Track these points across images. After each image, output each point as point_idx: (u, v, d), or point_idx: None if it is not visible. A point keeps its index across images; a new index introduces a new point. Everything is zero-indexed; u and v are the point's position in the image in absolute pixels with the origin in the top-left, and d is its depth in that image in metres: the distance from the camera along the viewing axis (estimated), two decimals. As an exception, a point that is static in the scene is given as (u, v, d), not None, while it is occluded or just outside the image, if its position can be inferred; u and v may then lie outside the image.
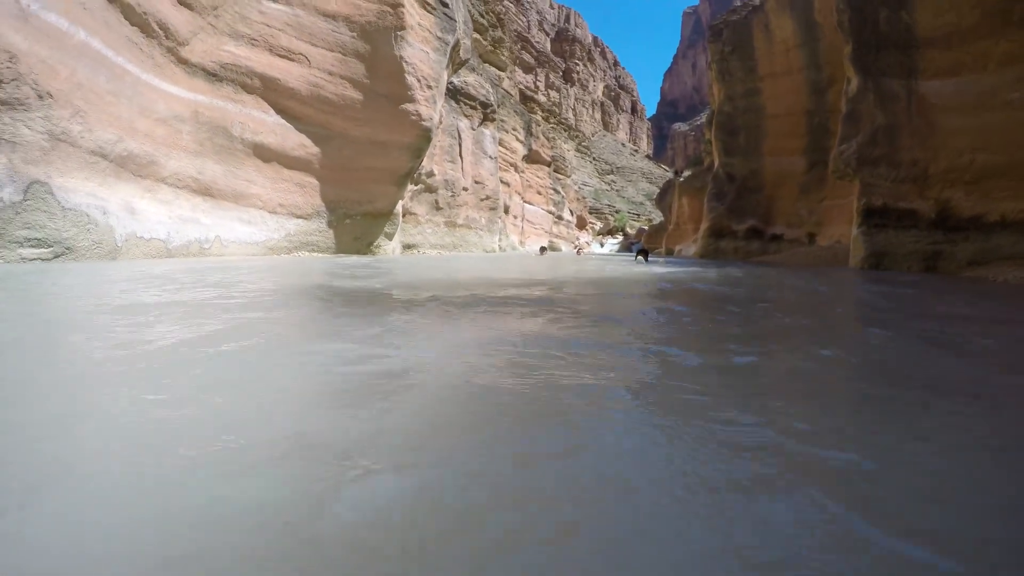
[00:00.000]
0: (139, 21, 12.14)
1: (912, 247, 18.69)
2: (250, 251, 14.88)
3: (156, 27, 12.58)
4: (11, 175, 8.79)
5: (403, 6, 17.88)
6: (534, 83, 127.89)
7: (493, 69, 38.60)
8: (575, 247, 51.38)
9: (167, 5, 12.88)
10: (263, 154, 15.62)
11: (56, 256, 9.40)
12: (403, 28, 17.94)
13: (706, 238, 35.83)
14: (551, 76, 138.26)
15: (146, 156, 12.02)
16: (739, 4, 39.99)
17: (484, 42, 36.60)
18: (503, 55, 42.83)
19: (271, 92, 15.81)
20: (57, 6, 9.88)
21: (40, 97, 9.35)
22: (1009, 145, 17.04)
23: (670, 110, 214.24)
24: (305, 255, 16.57)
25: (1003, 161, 17.27)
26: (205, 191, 13.89)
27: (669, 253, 47.47)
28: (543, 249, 35.72)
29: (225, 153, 14.53)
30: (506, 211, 38.87)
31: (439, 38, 20.06)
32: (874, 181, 19.74)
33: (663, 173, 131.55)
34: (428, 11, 19.44)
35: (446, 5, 20.61)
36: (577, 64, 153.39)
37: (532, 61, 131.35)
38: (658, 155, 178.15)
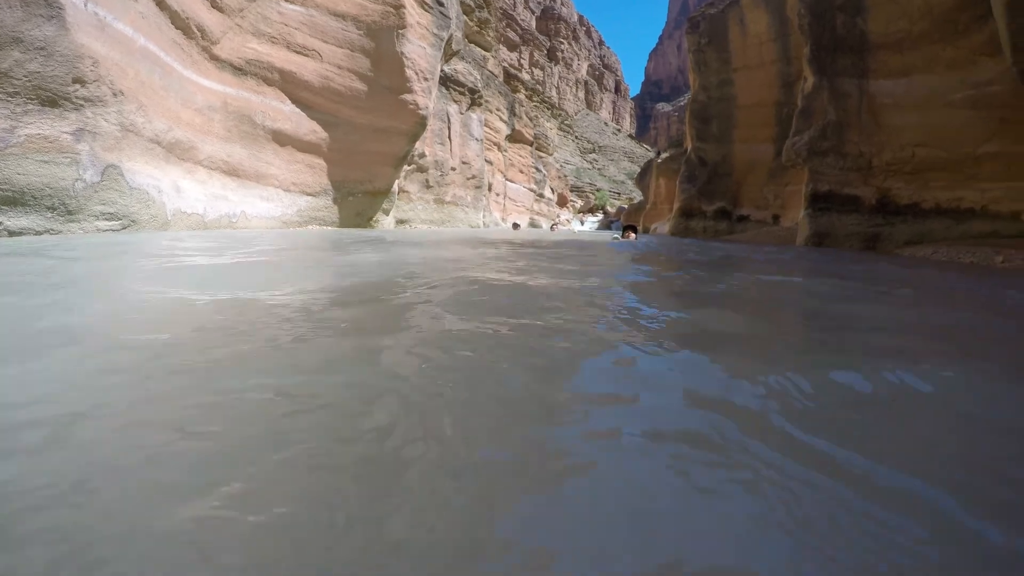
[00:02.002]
0: (182, 25, 14.12)
1: (853, 228, 21.07)
2: (269, 224, 16.97)
3: (195, 29, 14.56)
4: (92, 160, 10.81)
5: (404, 7, 19.89)
6: (518, 61, 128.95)
7: (479, 50, 40.04)
8: (552, 223, 53.32)
9: (203, 9, 14.84)
10: (280, 139, 17.65)
11: (124, 228, 11.48)
12: (404, 27, 19.96)
13: (677, 218, 38.23)
14: (535, 54, 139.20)
15: (188, 142, 14.06)
16: (713, -2, 42.01)
17: (470, 23, 37.99)
18: (488, 36, 44.26)
19: (288, 84, 17.81)
20: (124, 16, 11.88)
21: (114, 95, 11.36)
22: (947, 141, 19.29)
23: (654, 90, 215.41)
24: (315, 228, 18.71)
25: (941, 156, 19.53)
26: (233, 172, 15.94)
27: (646, 231, 49.92)
28: (516, 225, 37.46)
29: (249, 138, 16.57)
30: (489, 188, 40.82)
31: (435, 34, 22.07)
32: (822, 170, 22.05)
33: (645, 153, 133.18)
34: (426, 10, 21.43)
35: (441, 4, 22.59)
36: (562, 43, 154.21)
37: (517, 39, 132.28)
38: (641, 135, 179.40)
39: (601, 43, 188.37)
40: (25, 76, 9.81)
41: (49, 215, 10.15)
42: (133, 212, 11.66)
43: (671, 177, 45.46)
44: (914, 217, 20.16)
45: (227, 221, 15.21)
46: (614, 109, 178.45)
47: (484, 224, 34.44)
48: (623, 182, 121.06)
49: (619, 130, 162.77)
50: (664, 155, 57.53)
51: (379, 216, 21.89)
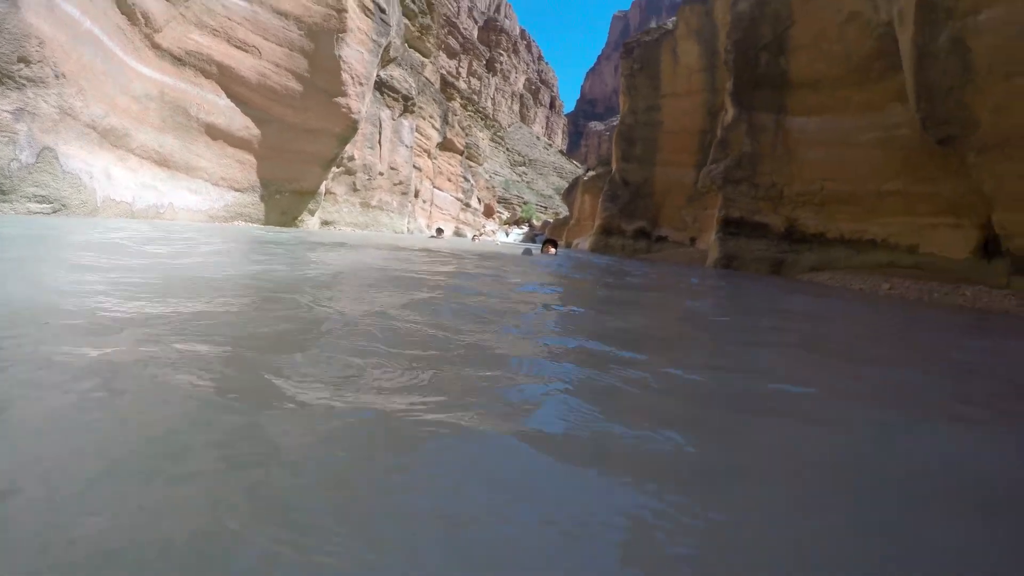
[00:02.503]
0: (127, 10, 14.41)
1: (761, 254, 22.67)
2: (196, 218, 17.23)
3: (140, 16, 14.85)
4: (29, 141, 11.09)
5: (347, 11, 20.50)
6: (456, 69, 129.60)
7: (417, 55, 40.55)
8: (474, 234, 54.04)
9: (149, -3, 15.16)
10: (213, 133, 17.95)
11: (54, 211, 11.75)
12: (344, 31, 20.55)
13: (597, 235, 39.86)
14: (474, 64, 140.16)
15: (122, 129, 14.32)
16: (654, 26, 43.90)
17: (412, 28, 38.41)
18: (429, 42, 44.80)
19: (225, 78, 18.14)
20: (74, 1, 12.20)
21: (56, 77, 11.66)
22: (855, 178, 20.94)
23: (588, 108, 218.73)
24: (240, 224, 19.01)
25: (848, 190, 21.19)
26: (163, 162, 16.19)
27: (568, 246, 51.39)
28: (439, 231, 38.03)
29: (182, 130, 16.83)
30: (416, 195, 41.34)
31: (374, 40, 22.71)
32: (735, 197, 23.65)
33: (574, 169, 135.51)
34: (367, 16, 22.06)
35: (383, 11, 23.28)
36: (502, 55, 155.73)
37: (457, 47, 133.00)
38: (572, 151, 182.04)
39: (540, 58, 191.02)
40: (-32, 52, 10.11)
41: (-20, 194, 10.42)
42: (65, 196, 11.94)
43: (596, 194, 47.01)
44: (819, 246, 21.81)
45: (154, 212, 15.47)
46: (547, 124, 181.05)
47: (408, 230, 35.00)
48: (551, 196, 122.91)
49: (550, 145, 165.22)
50: (591, 173, 59.27)
51: (304, 216, 22.29)
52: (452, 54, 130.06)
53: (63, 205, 11.91)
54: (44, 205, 11.51)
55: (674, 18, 39.31)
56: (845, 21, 20.90)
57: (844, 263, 20.69)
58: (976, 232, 17.31)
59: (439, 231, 38.49)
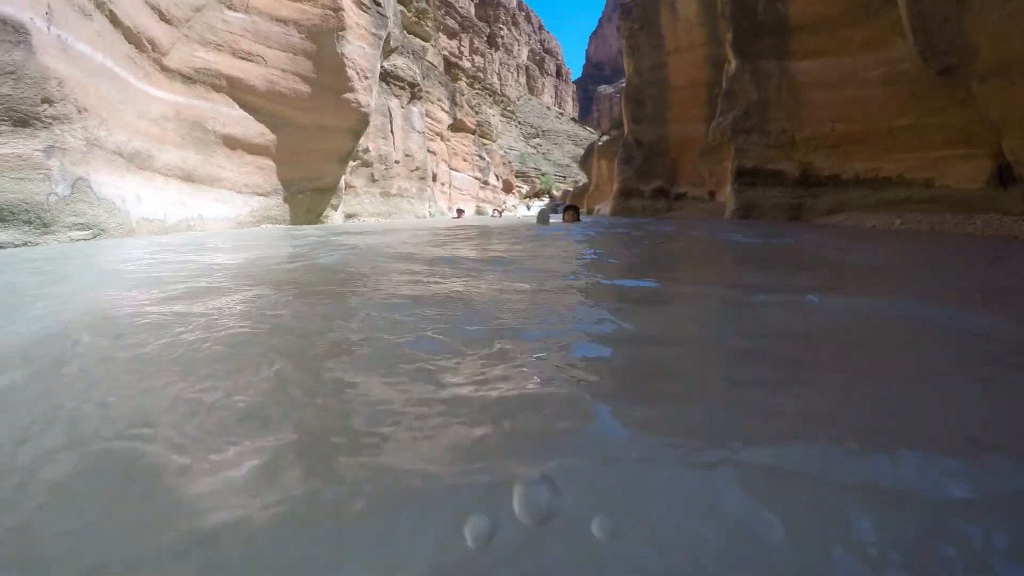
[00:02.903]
0: (134, 39, 15.08)
1: (778, 200, 22.99)
2: (225, 225, 17.99)
3: (146, 42, 15.52)
4: (63, 175, 11.83)
5: (343, 9, 21.02)
6: (458, 48, 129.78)
7: (418, 40, 40.98)
8: (494, 210, 54.61)
9: (152, 22, 15.78)
10: (230, 143, 18.64)
11: (94, 236, 12.51)
12: (344, 29, 21.08)
13: (617, 198, 40.30)
14: (475, 41, 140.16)
15: (146, 151, 15.05)
16: (648, -17, 43.83)
17: (408, 14, 38.87)
18: (427, 26, 45.23)
19: (235, 89, 18.79)
20: (83, 37, 12.88)
21: (79, 111, 12.37)
22: (864, 116, 21.21)
23: (596, 72, 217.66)
24: (268, 227, 19.76)
25: (859, 129, 21.46)
26: (188, 178, 16.92)
27: (590, 212, 51.79)
28: (460, 212, 38.42)
29: (201, 144, 17.55)
30: (434, 179, 41.97)
31: (374, 34, 23.21)
32: (746, 147, 23.96)
33: (588, 135, 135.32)
34: (364, 11, 22.55)
35: (378, 3, 23.75)
36: (502, 28, 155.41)
37: (456, 26, 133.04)
38: (584, 117, 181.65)
39: (541, 28, 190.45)
40: (-3, 99, 10.82)
41: (27, 228, 11.16)
42: (102, 221, 12.70)
43: (612, 159, 47.37)
44: (835, 188, 22.08)
45: (186, 225, 16.24)
46: (556, 93, 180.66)
47: (430, 214, 35.67)
48: (568, 165, 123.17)
49: (562, 114, 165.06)
50: (605, 138, 59.49)
51: (328, 212, 23.00)
52: (452, 34, 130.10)
53: (101, 229, 12.68)
54: (84, 232, 12.27)
55: (670, -27, 39.30)
56: (840, -43, 21.10)
57: (861, 203, 20.94)
58: (990, 161, 17.54)
59: (459, 212, 38.75)
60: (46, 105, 11.54)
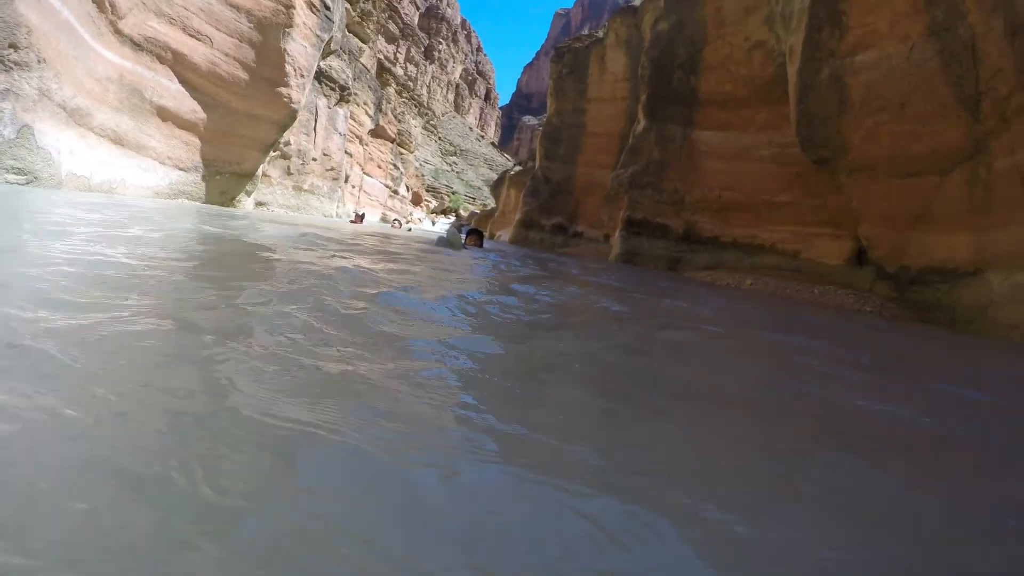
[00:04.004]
0: None
1: (661, 252, 25.55)
2: (144, 193, 18.96)
3: (107, 3, 16.60)
4: (12, 119, 12.86)
5: (295, 7, 22.52)
6: (394, 54, 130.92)
7: (356, 41, 41.97)
8: (394, 219, 55.25)
9: (116, -14, 16.88)
10: (163, 115, 19.68)
11: (27, 183, 13.50)
12: (291, 26, 22.56)
13: (518, 227, 42.49)
14: (412, 50, 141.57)
15: (86, 109, 16.04)
16: (586, 33, 46.78)
17: (352, 12, 39.77)
18: (369, 28, 46.22)
19: (178, 64, 19.88)
20: (57, -8, 13.98)
21: (39, 62, 13.43)
22: (750, 188, 23.87)
23: (524, 102, 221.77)
24: (183, 201, 20.76)
25: (743, 199, 24.13)
26: (118, 141, 17.89)
27: (491, 237, 53.72)
28: (360, 216, 38.80)
29: (137, 111, 18.55)
30: (346, 180, 43.05)
31: (318, 36, 24.73)
32: (640, 200, 26.55)
33: (504, 162, 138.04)
34: (313, 12, 24.08)
35: (328, 8, 25.30)
36: (441, 43, 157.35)
37: (397, 32, 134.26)
38: (504, 144, 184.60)
39: (479, 49, 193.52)
40: (-34, 37, 11.87)
41: (-34, 164, 12.17)
42: (37, 170, 13.72)
43: (521, 189, 49.24)
44: (714, 247, 24.78)
45: (108, 186, 17.20)
46: (481, 115, 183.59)
47: (337, 215, 36.72)
48: (479, 188, 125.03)
49: (483, 137, 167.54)
50: (517, 168, 61.91)
51: (242, 197, 24.12)
52: (391, 39, 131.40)
53: (35, 177, 13.67)
54: (20, 177, 13.26)
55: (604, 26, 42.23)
56: (752, 48, 23.91)
57: (734, 264, 23.55)
58: (851, 243, 20.16)
59: (359, 216, 39.06)
60: (12, 50, 12.63)
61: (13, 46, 12.60)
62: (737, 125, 24.85)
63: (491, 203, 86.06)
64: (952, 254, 14.76)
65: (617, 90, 39.23)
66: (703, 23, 25.89)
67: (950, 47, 14.09)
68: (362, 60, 45.82)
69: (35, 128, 13.58)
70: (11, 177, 13.04)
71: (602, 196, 38.55)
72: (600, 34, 42.54)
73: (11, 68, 12.69)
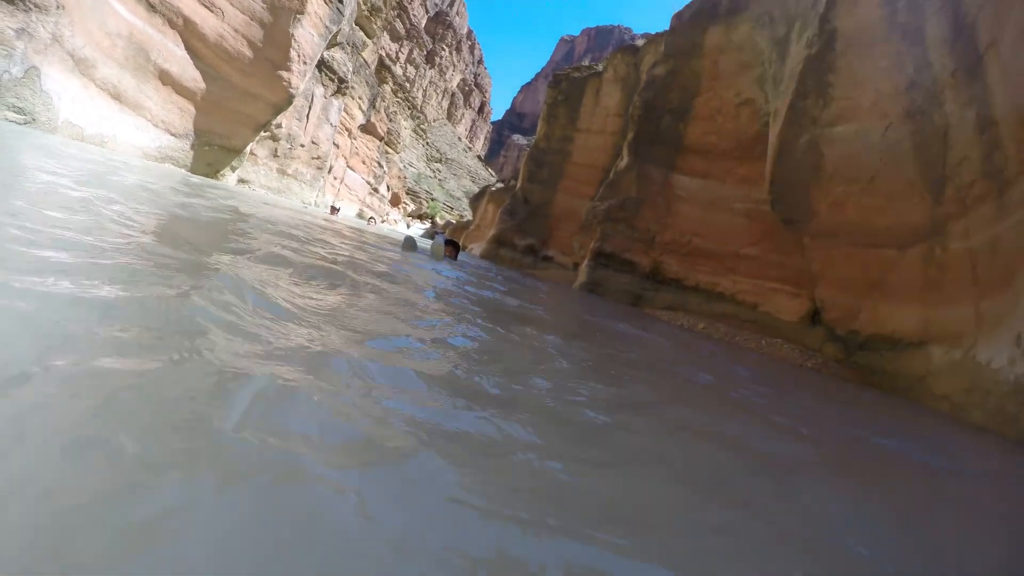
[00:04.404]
0: (119, -45, 16.61)
1: (625, 286, 26.24)
2: (133, 152, 19.30)
3: (128, -39, 17.05)
4: (22, 58, 13.27)
5: (310, -4, 23.08)
6: (396, 53, 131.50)
7: (361, 34, 42.45)
8: (371, 217, 55.29)
9: (139, -56, 17.35)
10: (164, 79, 20.08)
11: (25, 123, 13.88)
12: (303, 13, 23.12)
13: (491, 243, 43.11)
14: (415, 52, 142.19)
15: (92, 60, 16.43)
16: (586, 64, 47.89)
17: (363, 6, 40.28)
18: (376, 24, 46.71)
19: (187, 32, 20.31)
20: (82, -56, 14.43)
21: (57, 7, 13.87)
22: (719, 238, 24.66)
23: (516, 121, 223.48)
24: (169, 166, 21.09)
25: (711, 247, 24.91)
26: (117, 97, 18.25)
27: (463, 249, 54.24)
28: (334, 209, 38.97)
29: (140, 71, 18.94)
30: (329, 171, 43.44)
31: (327, 27, 25.32)
32: (611, 233, 27.32)
33: (488, 176, 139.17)
34: (327, 3, 24.68)
35: (341, 1, 25.83)
36: (444, 49, 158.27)
37: (403, 32, 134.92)
38: (491, 159, 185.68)
39: (480, 62, 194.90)
40: (-10, -28, 12.28)
41: (-30, 96, 12.55)
42: (36, 112, 14.10)
43: (499, 205, 50.05)
44: (677, 289, 25.54)
45: (100, 139, 17.55)
46: (472, 127, 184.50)
47: (315, 203, 37.11)
48: (459, 199, 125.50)
49: (470, 148, 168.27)
50: (499, 185, 62.76)
51: (227, 171, 24.52)
52: (396, 37, 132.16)
53: (33, 119, 14.06)
54: (20, 116, 13.65)
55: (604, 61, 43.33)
56: (741, 104, 24.90)
57: (695, 308, 24.34)
58: (808, 303, 20.99)
59: (334, 209, 39.04)
60: (33, -9, 13.04)
61: (35, -12, 13.04)
62: (716, 175, 25.78)
63: (468, 215, 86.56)
64: (901, 325, 15.62)
65: (608, 124, 40.24)
66: (698, 74, 26.88)
67: (924, 131, 14.98)
68: (364, 54, 46.35)
69: (42, 71, 13.98)
70: (10, 115, 13.41)
71: (577, 224, 39.22)
72: (600, 67, 43.63)
73: (30, 9, 13.11)
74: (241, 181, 27.26)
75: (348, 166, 53.04)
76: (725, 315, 23.30)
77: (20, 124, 13.68)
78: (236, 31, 21.78)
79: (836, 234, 17.86)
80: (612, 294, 26.26)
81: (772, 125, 20.35)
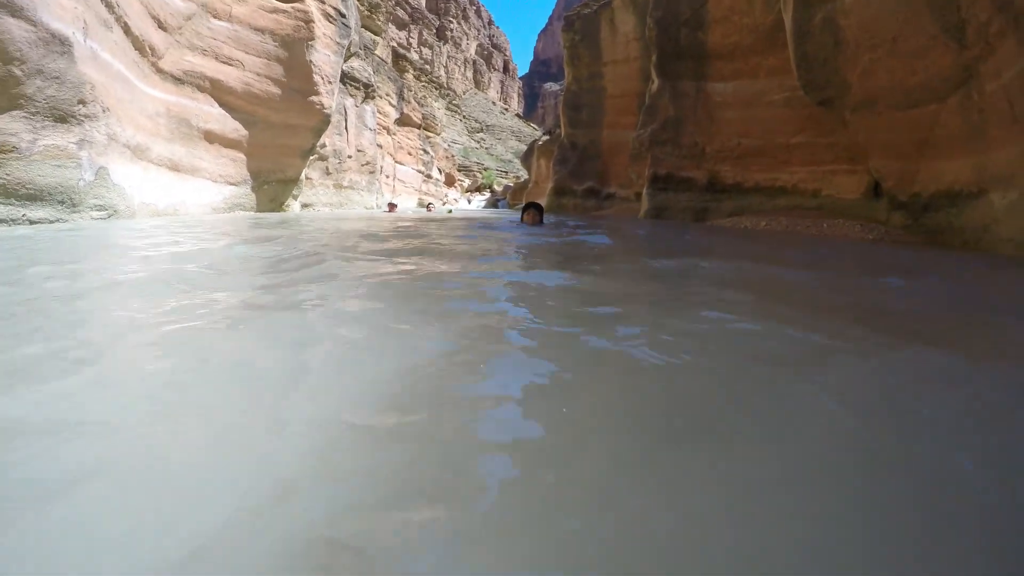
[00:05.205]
0: (139, 46, 17.87)
1: (687, 204, 26.58)
2: (203, 210, 20.78)
3: (147, 48, 18.31)
4: (90, 164, 14.65)
5: (313, 21, 24.06)
6: (407, 40, 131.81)
7: (368, 34, 43.30)
8: (428, 204, 55.01)
9: (152, 30, 18.57)
10: (210, 138, 21.42)
11: (109, 216, 15.33)
12: (313, 39, 24.11)
13: (551, 196, 43.72)
14: (424, 33, 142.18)
15: (144, 144, 17.83)
16: (593, -3, 47.53)
17: (361, 8, 40.98)
18: (379, 19, 47.35)
19: (216, 90, 21.57)
20: (107, 47, 15.68)
21: (103, 111, 15.18)
22: (766, 133, 24.66)
23: (543, 69, 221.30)
24: (239, 213, 22.59)
25: (760, 144, 24.95)
26: (174, 168, 19.68)
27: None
28: (391, 205, 38.53)
29: (186, 139, 20.32)
30: (379, 171, 44.66)
31: (338, 43, 26.28)
32: (662, 156, 27.61)
33: (532, 132, 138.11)
34: (331, 22, 25.62)
35: (343, 15, 26.83)
36: (451, 22, 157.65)
37: (407, 18, 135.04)
38: (529, 113, 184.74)
39: (491, 23, 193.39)
40: (44, 99, 13.61)
41: (60, 208, 14.01)
42: (115, 204, 15.54)
43: (551, 157, 50.33)
44: (737, 194, 25.70)
45: (172, 209, 19.05)
46: (502, 88, 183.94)
47: (376, 206, 38.38)
48: (510, 161, 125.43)
49: (507, 109, 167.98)
50: (544, 137, 62.93)
51: (289, 201, 25.95)
52: (402, 25, 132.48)
53: (115, 211, 15.51)
54: (102, 212, 15.10)
55: (610, -12, 42.85)
56: (750, -3, 24.82)
57: (758, 207, 24.48)
58: (867, 176, 20.87)
59: (391, 206, 38.22)
60: (81, 105, 14.38)
61: (81, 102, 14.33)
62: (747, 73, 25.60)
63: (523, 175, 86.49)
64: (957, 178, 15.45)
65: (630, 50, 40.02)
66: (702, -23, 26.73)
67: None
68: (377, 52, 47.19)
69: (109, 168, 15.38)
70: (95, 214, 14.88)
71: (628, 156, 39.26)
72: (606, -3, 43.31)
73: (83, 120, 14.45)
74: (304, 206, 28.69)
75: (396, 161, 54.14)
76: (788, 208, 23.31)
77: (105, 219, 15.13)
78: (259, 75, 22.95)
79: (874, 102, 17.66)
80: (677, 214, 26.59)
81: (784, 13, 20.09)
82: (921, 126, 16.71)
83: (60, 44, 13.75)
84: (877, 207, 20.15)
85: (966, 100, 14.95)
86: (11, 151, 13.16)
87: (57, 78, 13.75)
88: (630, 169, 39.34)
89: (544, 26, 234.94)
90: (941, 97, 15.77)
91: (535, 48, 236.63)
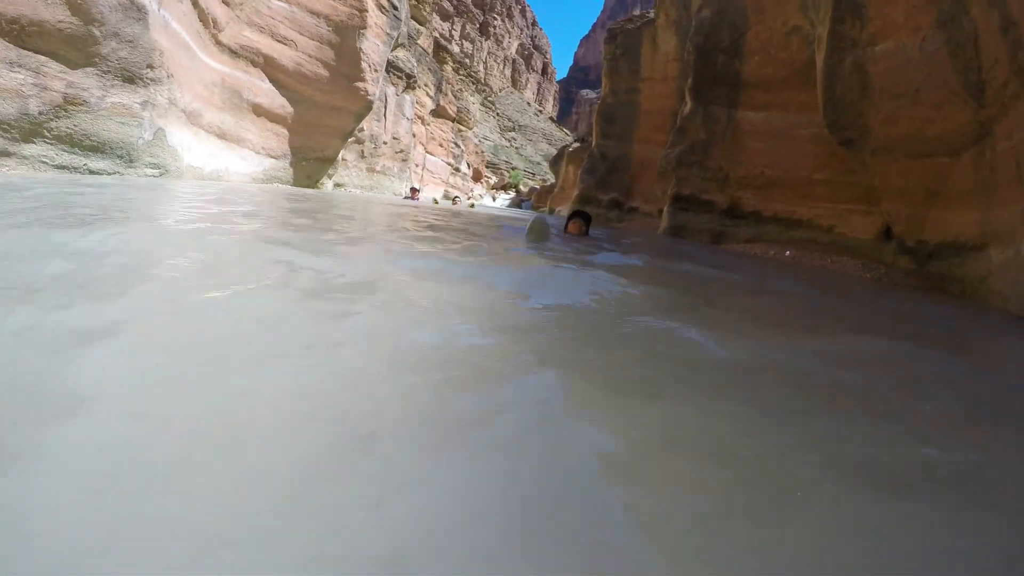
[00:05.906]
0: (203, 18, 18.85)
1: (706, 226, 27.14)
2: (243, 179, 21.73)
3: (211, 20, 19.30)
4: (150, 124, 15.64)
5: (367, 11, 25.02)
6: (449, 31, 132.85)
7: (414, 24, 44.08)
8: (454, 197, 54.80)
9: (216, 3, 19.52)
10: (258, 111, 22.42)
11: (161, 175, 16.32)
12: (365, 27, 25.07)
13: (575, 203, 44.20)
14: (467, 27, 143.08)
15: (198, 111, 18.81)
16: (637, 14, 48.21)
17: None
18: (425, 10, 48.26)
19: (269, 67, 22.56)
20: (176, 16, 16.68)
21: (168, 76, 16.17)
22: (790, 166, 25.09)
23: (581, 76, 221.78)
24: (276, 185, 23.56)
25: (783, 176, 25.42)
26: (222, 136, 20.67)
27: (551, 212, 55.65)
28: (413, 191, 37.29)
29: (236, 110, 21.33)
30: (411, 160, 45.51)
31: (388, 34, 27.26)
32: (687, 177, 28.17)
33: (564, 136, 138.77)
34: (383, 13, 26.58)
35: (396, 8, 27.82)
36: (495, 18, 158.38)
37: (451, 9, 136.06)
38: (563, 118, 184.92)
39: (534, 23, 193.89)
40: (117, 60, 14.62)
41: (118, 162, 15.01)
42: (167, 164, 16.53)
43: (579, 165, 50.77)
44: (755, 222, 26.20)
45: (216, 175, 20.03)
46: (539, 90, 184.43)
47: (404, 193, 39.27)
48: (539, 163, 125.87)
49: (540, 111, 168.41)
50: (575, 145, 63.63)
51: (324, 180, 26.95)
52: (446, 16, 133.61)
53: (166, 170, 16.50)
54: (155, 170, 16.09)
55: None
56: (789, 32, 25.22)
57: (774, 237, 24.97)
58: (881, 219, 21.50)
59: (414, 191, 36.86)
60: (149, 69, 15.38)
61: (150, 66, 15.33)
62: (778, 106, 26.10)
63: (550, 178, 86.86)
64: (964, 230, 15.99)
65: (669, 70, 40.46)
66: (743, 9, 27.26)
67: (956, 38, 15.34)
68: (419, 42, 47.90)
69: (166, 130, 16.37)
70: (148, 171, 15.87)
71: (656, 172, 39.87)
72: (651, 15, 43.85)
73: (148, 84, 15.44)
74: (337, 185, 29.65)
75: (427, 152, 54.98)
76: (803, 240, 23.73)
77: (157, 176, 16.11)
78: (310, 56, 23.92)
79: (892, 148, 18.24)
80: (695, 235, 27.14)
81: (817, 54, 20.66)
82: (934, 176, 17.36)
83: (137, 11, 14.74)
84: (886, 249, 20.73)
85: (979, 157, 15.54)
86: (81, 104, 14.16)
87: (131, 42, 14.74)
88: (656, 186, 40.02)
89: (587, 33, 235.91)
90: (956, 151, 16.38)
91: (576, 54, 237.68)
